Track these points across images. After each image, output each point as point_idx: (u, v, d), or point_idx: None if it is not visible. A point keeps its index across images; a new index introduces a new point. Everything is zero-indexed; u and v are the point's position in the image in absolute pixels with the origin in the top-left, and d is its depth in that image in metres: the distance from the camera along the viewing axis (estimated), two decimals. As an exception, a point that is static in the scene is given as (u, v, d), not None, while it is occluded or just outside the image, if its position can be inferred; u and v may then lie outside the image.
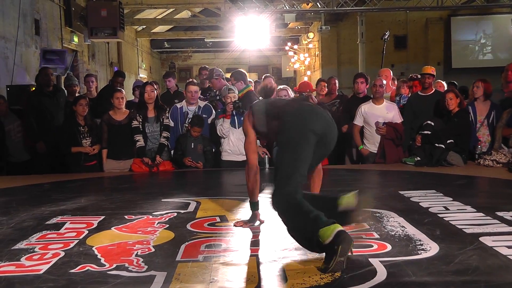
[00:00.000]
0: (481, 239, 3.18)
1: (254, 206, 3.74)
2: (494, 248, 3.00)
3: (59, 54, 9.52)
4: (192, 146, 6.52)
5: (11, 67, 8.54)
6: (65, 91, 7.72)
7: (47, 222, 3.95)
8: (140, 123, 6.49)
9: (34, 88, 7.82)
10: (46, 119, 6.98)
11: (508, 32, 13.17)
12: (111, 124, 6.57)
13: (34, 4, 9.78)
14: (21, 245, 3.33)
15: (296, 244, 3.15)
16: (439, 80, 8.00)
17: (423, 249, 3.02)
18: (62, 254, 3.11)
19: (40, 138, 6.90)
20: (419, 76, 7.41)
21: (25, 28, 9.25)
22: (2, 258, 3.06)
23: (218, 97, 7.18)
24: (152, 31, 21.17)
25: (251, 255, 3.05)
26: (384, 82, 7.13)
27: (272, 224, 3.75)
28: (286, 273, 2.71)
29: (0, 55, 8.34)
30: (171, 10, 19.04)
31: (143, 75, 20.26)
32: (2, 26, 8.46)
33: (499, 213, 3.81)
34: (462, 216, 3.78)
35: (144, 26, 20.02)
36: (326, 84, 7.95)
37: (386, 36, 9.98)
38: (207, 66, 7.76)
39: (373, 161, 6.77)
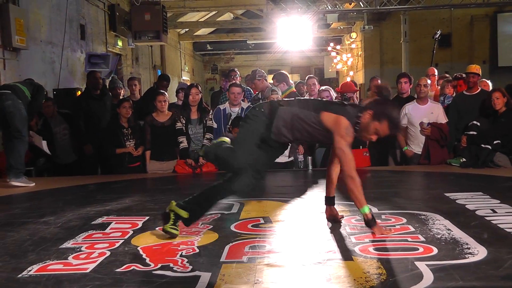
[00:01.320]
0: (532, 243, 3.08)
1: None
2: (545, 252, 2.90)
3: (104, 58, 9.73)
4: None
5: (57, 71, 8.77)
6: (110, 94, 7.89)
7: (93, 222, 4.04)
8: (184, 124, 6.57)
9: (80, 92, 8.03)
10: (93, 122, 7.16)
11: (558, 28, 12.82)
12: (154, 125, 6.67)
13: (80, 10, 10.03)
14: (68, 244, 3.41)
15: (341, 247, 3.15)
16: (484, 79, 7.80)
17: (470, 253, 2.95)
18: (108, 253, 3.17)
19: (87, 140, 7.08)
20: (463, 75, 7.25)
21: (71, 33, 9.50)
22: (50, 256, 3.14)
23: (261, 99, 7.21)
24: (195, 33, 21.38)
25: (295, 257, 3.04)
26: (429, 81, 7.01)
27: (317, 226, 3.75)
28: (330, 276, 2.68)
29: (47, 60, 8.58)
30: (214, 12, 19.20)
31: (185, 78, 20.50)
32: (49, 31, 8.71)
33: (550, 216, 3.69)
34: (511, 219, 3.68)
35: (186, 29, 20.24)
36: (377, 82, 7.75)
37: (438, 35, 9.80)
38: (235, 69, 7.84)
39: (417, 162, 6.67)
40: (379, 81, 7.82)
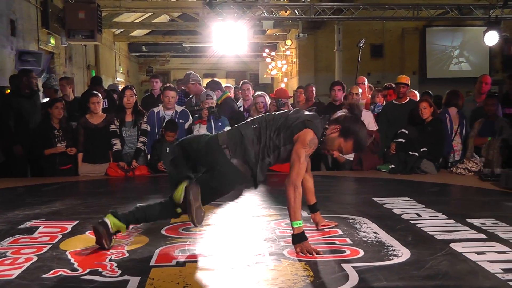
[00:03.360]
0: (452, 245, 3.25)
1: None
2: (463, 254, 3.07)
3: (36, 55, 9.41)
4: (167, 151, 6.50)
5: (-15, 68, 8.41)
6: (40, 93, 7.63)
7: (20, 226, 3.92)
8: (118, 127, 6.47)
9: (9, 90, 7.70)
10: (23, 122, 6.88)
11: (481, 44, 13.54)
12: (88, 127, 6.54)
13: (10, 4, 9.64)
14: (-7, 249, 3.30)
15: (270, 250, 3.20)
16: (412, 90, 8.14)
17: (395, 255, 3.07)
18: (35, 258, 3.10)
19: (17, 140, 6.79)
20: (393, 85, 7.53)
21: (0, 28, 9.12)
22: (-27, 262, 3.02)
23: (195, 103, 7.21)
24: (130, 34, 21.05)
25: (225, 260, 3.07)
26: (360, 90, 7.23)
27: (247, 230, 3.80)
28: (259, 278, 2.73)
29: (-25, 56, 8.22)
30: (150, 14, 18.99)
31: (120, 79, 20.15)
32: (-23, 26, 8.35)
33: (470, 220, 3.90)
34: (434, 223, 3.86)
35: (122, 30, 19.91)
36: (303, 91, 8.01)
37: (362, 44, 10.13)
38: (192, 72, 7.81)
39: (349, 168, 6.84)
40: (313, 88, 7.99)
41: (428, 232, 3.59)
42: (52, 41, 11.79)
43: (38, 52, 9.93)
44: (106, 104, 7.40)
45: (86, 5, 11.64)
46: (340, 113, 3.52)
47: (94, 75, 14.43)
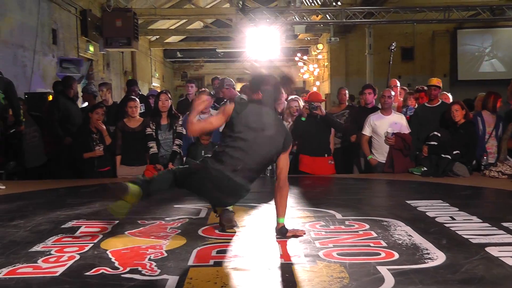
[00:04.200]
0: (487, 249, 3.22)
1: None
2: (500, 258, 3.04)
3: (75, 62, 9.72)
4: (203, 154, 6.59)
5: (29, 75, 8.70)
6: (80, 98, 7.86)
7: (62, 226, 4.05)
8: (154, 130, 6.60)
9: (51, 96, 7.96)
10: (70, 123, 7.10)
11: (512, 45, 13.43)
12: (125, 131, 6.68)
13: (52, 14, 9.97)
14: (38, 247, 3.43)
15: (306, 251, 3.24)
16: (445, 92, 8.06)
17: (429, 258, 3.07)
18: (78, 257, 3.20)
19: (62, 138, 7.02)
20: (425, 87, 7.48)
21: (42, 37, 9.43)
22: (20, 259, 3.15)
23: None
24: (165, 41, 21.38)
25: (260, 261, 3.11)
26: (393, 93, 7.20)
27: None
28: (296, 279, 2.77)
29: (19, 63, 8.51)
30: (184, 21, 19.26)
31: (156, 84, 20.46)
32: (21, 35, 8.64)
33: (505, 224, 3.85)
34: (468, 226, 3.83)
35: (157, 36, 20.24)
36: (345, 92, 7.96)
37: (393, 47, 10.08)
38: (219, 76, 7.88)
39: (381, 171, 6.83)
40: (346, 91, 7.99)
41: (463, 236, 3.56)
42: (91, 48, 12.12)
43: (78, 59, 10.23)
44: (143, 108, 7.56)
45: (123, 14, 11.94)
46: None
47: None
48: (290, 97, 7.33)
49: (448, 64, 18.98)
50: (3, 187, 5.96)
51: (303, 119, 6.69)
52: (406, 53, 18.94)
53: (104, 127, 6.66)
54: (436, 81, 7.15)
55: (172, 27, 20.12)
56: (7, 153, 7.02)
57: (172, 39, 21.92)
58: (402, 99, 8.21)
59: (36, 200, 5.38)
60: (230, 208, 3.85)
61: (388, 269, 2.86)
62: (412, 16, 13.76)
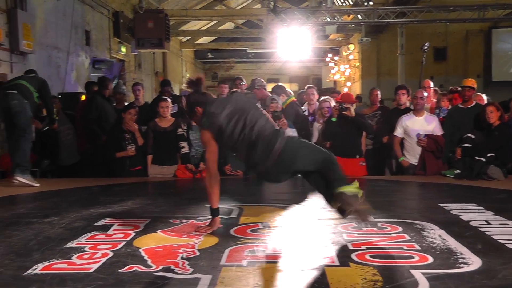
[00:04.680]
0: (525, 255, 3.14)
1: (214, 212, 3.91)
2: (538, 264, 2.96)
3: (108, 63, 9.87)
4: (234, 154, 6.61)
5: (62, 76, 8.88)
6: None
7: (95, 224, 4.11)
8: (185, 130, 6.65)
9: (84, 97, 8.10)
10: (107, 122, 7.22)
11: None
12: (157, 131, 6.75)
13: (85, 16, 10.16)
14: (72, 244, 3.49)
15: (338, 253, 3.21)
16: (479, 93, 7.91)
17: (465, 263, 3.00)
18: (111, 254, 3.24)
19: (100, 136, 7.14)
20: (459, 88, 7.36)
21: (76, 38, 9.61)
22: (55, 256, 3.21)
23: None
24: (196, 42, 21.54)
25: (293, 262, 3.10)
26: (425, 94, 7.11)
27: (314, 232, 3.83)
28: (328, 280, 2.75)
29: (53, 64, 8.69)
30: (215, 21, 19.36)
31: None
32: (55, 37, 8.83)
33: (543, 229, 3.75)
34: (504, 231, 3.74)
35: (188, 37, 20.40)
36: (377, 93, 7.90)
37: (426, 47, 9.95)
38: (241, 77, 7.91)
39: (413, 173, 6.75)
40: (378, 92, 7.92)
41: (499, 240, 3.48)
42: (123, 49, 12.30)
43: (110, 60, 10.40)
44: (176, 109, 7.62)
45: (154, 15, 12.07)
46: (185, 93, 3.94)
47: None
48: (322, 98, 7.31)
49: (482, 64, 18.63)
50: (37, 184, 6.09)
51: (334, 119, 6.66)
52: (438, 53, 18.65)
53: (137, 127, 6.74)
54: (470, 81, 7.03)
55: (203, 28, 20.26)
56: (42, 151, 7.18)
57: (203, 40, 22.08)
58: (435, 100, 8.10)
59: (69, 197, 5.50)
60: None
61: (422, 273, 2.80)
62: (445, 15, 13.55)
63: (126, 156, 6.75)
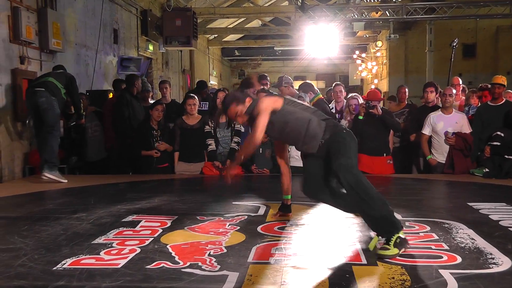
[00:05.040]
0: (555, 255, 3.08)
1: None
2: None
3: (135, 61, 9.96)
4: (260, 151, 6.63)
5: (91, 73, 8.99)
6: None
7: (123, 220, 4.17)
8: (212, 128, 6.68)
9: (112, 94, 8.19)
10: (135, 119, 7.29)
11: None
12: (184, 128, 6.80)
13: (114, 15, 10.26)
14: (100, 240, 3.54)
15: (366, 252, 3.20)
16: (509, 91, 7.75)
17: (494, 263, 2.97)
18: (138, 250, 3.28)
19: (130, 133, 7.21)
20: (488, 85, 7.23)
21: (104, 37, 9.71)
22: (83, 251, 3.27)
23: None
24: (223, 39, 21.62)
25: (320, 260, 3.10)
26: (454, 91, 7.00)
27: (341, 230, 3.82)
28: (356, 279, 2.74)
29: (82, 62, 8.80)
30: (242, 19, 19.38)
31: (213, 82, 20.71)
32: (84, 35, 8.94)
33: None
34: (535, 231, 3.68)
35: (215, 35, 20.48)
36: (405, 91, 7.80)
37: (455, 43, 9.79)
38: (266, 75, 7.92)
39: (440, 171, 6.66)
40: (406, 90, 7.83)
41: (529, 241, 3.42)
42: (151, 47, 12.39)
43: (137, 58, 10.48)
44: (206, 106, 7.65)
45: (182, 13, 12.16)
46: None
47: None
48: (349, 95, 7.27)
49: (512, 61, 18.30)
50: (65, 181, 6.19)
51: (361, 117, 6.61)
52: (467, 50, 18.38)
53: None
54: (500, 79, 6.89)
55: (230, 26, 20.31)
56: (70, 148, 7.29)
57: (230, 37, 22.14)
58: (463, 97, 7.97)
59: (97, 194, 5.56)
60: None
61: (451, 273, 2.78)
62: (475, 11, 13.34)
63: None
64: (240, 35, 22.52)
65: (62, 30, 7.68)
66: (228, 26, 20.22)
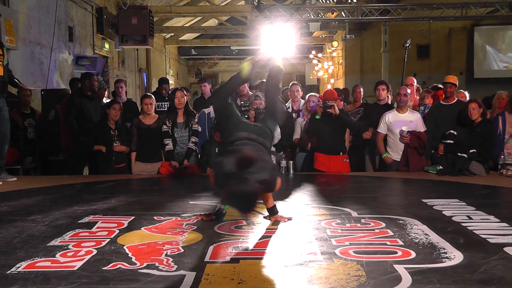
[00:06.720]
0: (506, 249, 3.19)
1: None
2: (519, 258, 3.00)
3: (91, 60, 9.78)
4: (217, 151, 6.62)
5: (46, 72, 8.78)
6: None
7: (79, 221, 4.09)
8: (170, 127, 6.63)
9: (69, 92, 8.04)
10: (85, 120, 7.16)
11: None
12: (140, 127, 6.73)
13: (68, 12, 10.05)
14: (56, 242, 3.46)
15: (322, 249, 3.24)
16: (461, 90, 7.99)
17: (447, 257, 3.04)
18: (95, 252, 3.22)
19: (81, 134, 7.08)
20: (440, 85, 7.43)
21: (59, 34, 9.50)
22: (39, 254, 3.19)
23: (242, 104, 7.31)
24: (180, 38, 21.45)
25: (277, 258, 3.12)
26: (409, 91, 7.16)
27: (298, 229, 3.85)
28: (312, 277, 2.77)
29: (36, 60, 8.59)
30: (199, 18, 19.29)
31: (170, 81, 20.49)
32: (38, 33, 8.73)
33: (523, 224, 3.80)
34: (486, 226, 3.80)
35: (172, 34, 20.30)
36: (360, 90, 7.93)
37: (408, 44, 10.03)
38: (205, 77, 7.99)
39: (396, 169, 6.80)
40: (361, 89, 7.96)
41: (480, 235, 3.53)
42: (106, 45, 12.19)
43: (93, 56, 10.31)
44: (166, 107, 7.61)
45: (138, 11, 12.03)
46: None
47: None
48: (309, 94, 7.33)
49: (464, 61, 18.84)
50: (14, 178, 6.03)
51: (318, 117, 6.67)
52: (421, 51, 18.83)
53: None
54: (452, 78, 7.10)
55: (187, 25, 20.18)
56: (25, 148, 7.11)
57: (187, 36, 21.98)
58: (417, 97, 8.16)
59: (53, 195, 5.44)
60: None
61: (405, 268, 2.84)
62: (428, 13, 13.67)
63: (110, 153, 6.71)
64: (197, 34, 22.39)
65: (15, 27, 7.47)
66: (185, 25, 20.08)
